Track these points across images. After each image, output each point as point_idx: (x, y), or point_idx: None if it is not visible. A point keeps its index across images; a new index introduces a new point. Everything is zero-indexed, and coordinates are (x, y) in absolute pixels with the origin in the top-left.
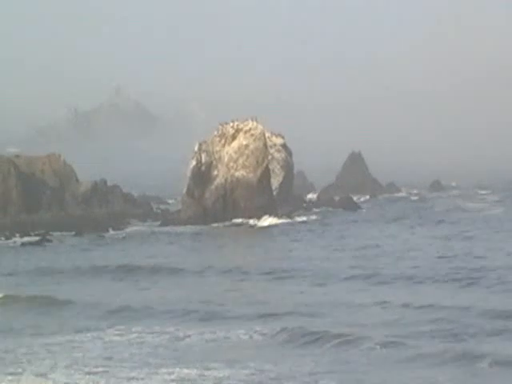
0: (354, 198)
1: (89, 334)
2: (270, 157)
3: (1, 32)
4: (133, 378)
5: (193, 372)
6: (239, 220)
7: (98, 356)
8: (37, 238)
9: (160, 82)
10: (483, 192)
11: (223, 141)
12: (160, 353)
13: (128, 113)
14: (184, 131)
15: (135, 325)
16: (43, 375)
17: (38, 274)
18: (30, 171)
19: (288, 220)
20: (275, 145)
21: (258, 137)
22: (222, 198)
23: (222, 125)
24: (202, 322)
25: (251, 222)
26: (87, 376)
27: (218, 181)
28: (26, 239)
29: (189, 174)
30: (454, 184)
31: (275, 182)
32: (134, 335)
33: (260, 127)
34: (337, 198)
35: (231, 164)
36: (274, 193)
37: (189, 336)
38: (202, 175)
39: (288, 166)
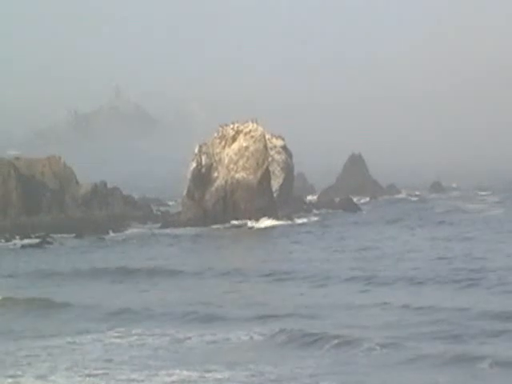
0: (354, 200)
1: (89, 336)
2: (270, 159)
3: (1, 32)
4: (133, 380)
5: (193, 374)
6: (237, 221)
7: (98, 358)
8: (37, 240)
9: (160, 82)
10: (483, 193)
11: (223, 143)
12: (160, 355)
13: (128, 114)
14: (184, 131)
15: (135, 327)
16: (43, 378)
17: (38, 276)
18: (30, 173)
19: (288, 222)
20: (275, 146)
21: (258, 138)
22: (222, 199)
23: (222, 126)
24: (202, 323)
25: (249, 223)
26: (87, 378)
27: (219, 183)
28: (26, 241)
29: (189, 175)
30: (454, 185)
31: (275, 183)
32: (134, 337)
33: (260, 129)
34: (337, 200)
35: (231, 166)
36: (275, 195)
37: (189, 338)
38: (202, 177)
39: (288, 168)
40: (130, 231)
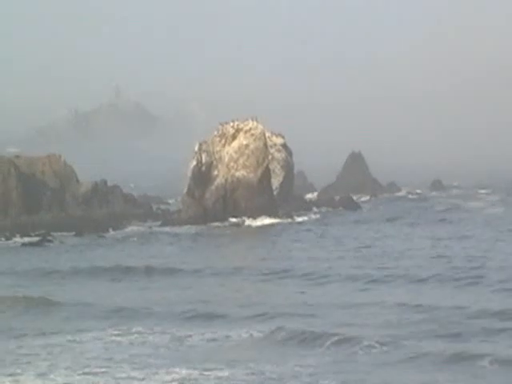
0: (355, 198)
1: (89, 335)
2: (270, 157)
3: (1, 32)
4: (133, 379)
5: (193, 372)
6: (235, 219)
7: (98, 356)
8: (37, 239)
9: (160, 82)
10: (484, 191)
11: (223, 141)
12: (160, 353)
13: (128, 113)
14: (184, 131)
15: (135, 325)
16: (43, 376)
17: (38, 275)
18: (31, 172)
19: (287, 220)
20: (275, 144)
21: (258, 136)
22: (222, 198)
23: (222, 125)
24: (202, 322)
25: (247, 221)
26: (87, 377)
27: (219, 181)
28: (26, 240)
29: (189, 174)
30: (455, 184)
31: (275, 181)
32: (135, 335)
33: (260, 127)
34: (337, 198)
35: (231, 164)
36: (275, 193)
37: (189, 336)
38: (202, 175)
39: (288, 166)
40: (130, 229)
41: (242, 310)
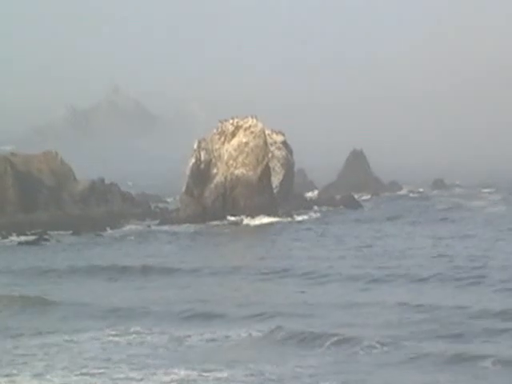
0: (356, 197)
1: (86, 335)
2: (270, 154)
3: (1, 32)
4: (131, 380)
5: (192, 373)
6: (233, 218)
7: (95, 357)
8: (34, 238)
9: (160, 82)
10: (486, 190)
11: (223, 138)
12: (159, 353)
13: (127, 111)
14: (184, 131)
15: (133, 325)
16: (39, 376)
17: (34, 274)
18: (27, 170)
19: (287, 219)
20: (275, 142)
21: (258, 134)
22: (221, 196)
23: (221, 122)
24: (201, 322)
25: (245, 220)
26: (85, 377)
27: (218, 179)
28: (22, 238)
29: (188, 172)
30: (457, 182)
31: (275, 180)
32: (133, 336)
33: (260, 124)
34: (338, 197)
35: (231, 162)
36: (275, 191)
37: (188, 336)
38: (201, 173)
39: (288, 164)
40: (127, 228)
41: (241, 309)
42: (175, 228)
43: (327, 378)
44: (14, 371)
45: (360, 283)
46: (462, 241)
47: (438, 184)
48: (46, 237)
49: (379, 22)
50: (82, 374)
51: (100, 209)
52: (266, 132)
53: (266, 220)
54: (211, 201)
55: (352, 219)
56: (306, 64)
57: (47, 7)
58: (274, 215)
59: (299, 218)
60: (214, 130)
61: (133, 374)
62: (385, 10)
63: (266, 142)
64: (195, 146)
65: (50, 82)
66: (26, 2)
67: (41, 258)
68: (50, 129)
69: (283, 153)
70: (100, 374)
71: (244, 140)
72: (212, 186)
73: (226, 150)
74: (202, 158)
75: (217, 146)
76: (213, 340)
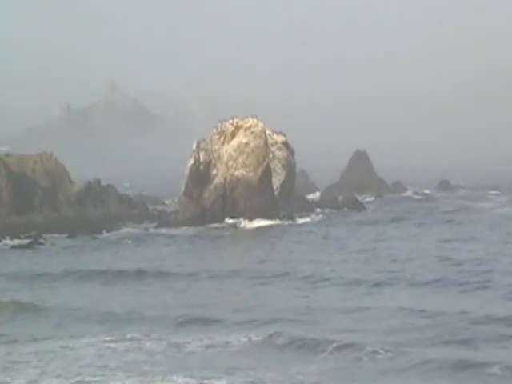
0: (359, 199)
1: (82, 341)
2: (271, 155)
3: (1, 32)
4: None
5: (191, 381)
6: (231, 220)
7: (91, 364)
8: (28, 241)
9: (160, 82)
10: (493, 192)
11: (222, 139)
12: (157, 360)
13: (125, 110)
14: (184, 131)
15: (130, 331)
16: None
17: (28, 278)
18: (21, 170)
19: (288, 221)
20: (276, 143)
21: (258, 134)
22: (221, 198)
23: (221, 122)
24: (200, 327)
25: (242, 223)
26: None
27: (217, 180)
28: (16, 242)
29: (187, 173)
30: (462, 184)
31: (276, 181)
32: (130, 342)
33: (260, 124)
34: (340, 198)
35: (231, 163)
36: (276, 193)
37: (186, 342)
38: (200, 174)
39: (290, 165)
40: (124, 231)
41: (241, 314)
42: (173, 231)
43: None
44: (8, 379)
45: (362, 287)
46: (468, 244)
47: (444, 185)
48: (41, 240)
49: (379, 21)
50: (77, 382)
51: (96, 211)
52: (267, 132)
53: (263, 223)
54: (210, 202)
55: (355, 221)
56: (306, 64)
57: (47, 7)
58: (275, 218)
59: (301, 221)
60: (214, 130)
61: (129, 382)
62: (385, 9)
63: (266, 143)
64: (194, 147)
65: (50, 82)
66: (26, 2)
67: (35, 261)
68: (48, 128)
69: (284, 153)
70: (96, 381)
71: (244, 140)
72: (211, 187)
73: (226, 151)
74: (201, 158)
75: (216, 147)
76: (212, 346)
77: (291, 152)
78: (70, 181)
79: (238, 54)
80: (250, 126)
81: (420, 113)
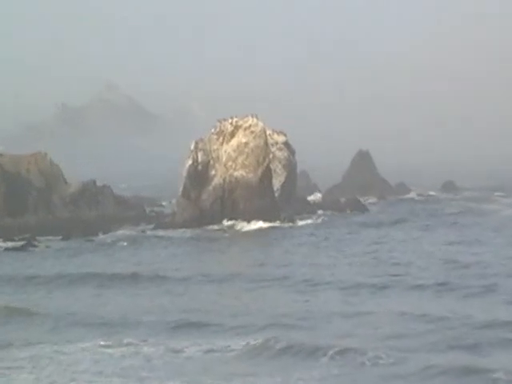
0: (361, 200)
1: (77, 346)
2: (271, 155)
3: (1, 32)
4: None
5: None
6: (228, 222)
7: (87, 369)
8: (21, 243)
9: (160, 82)
10: (497, 194)
11: (221, 138)
12: (154, 365)
13: (122, 109)
14: (184, 131)
15: (127, 335)
16: None
17: (21, 281)
18: (15, 170)
19: (288, 224)
20: (277, 143)
21: (258, 134)
22: (220, 199)
23: (220, 121)
24: (198, 332)
25: (239, 225)
26: None
27: (216, 181)
28: (9, 244)
29: (184, 173)
30: (467, 185)
31: (277, 182)
32: (126, 347)
33: (260, 124)
34: (343, 200)
35: (230, 163)
36: (276, 194)
37: (184, 347)
38: (198, 175)
39: (290, 166)
40: (120, 233)
41: (239, 318)
42: (171, 233)
43: None
44: None
45: (364, 291)
46: (472, 246)
47: (448, 186)
48: (35, 242)
49: (379, 21)
50: None
51: (91, 212)
52: (267, 132)
53: (263, 225)
54: (209, 204)
55: (357, 223)
56: (306, 64)
57: (47, 7)
58: (276, 220)
59: (302, 223)
60: (212, 130)
61: None
62: (385, 10)
63: (266, 143)
64: (192, 147)
65: (50, 81)
66: (26, 2)
67: (28, 264)
68: (45, 126)
69: (285, 154)
70: None
71: (244, 140)
72: (210, 188)
73: (225, 151)
74: (200, 159)
75: (215, 147)
76: (210, 351)
77: (292, 152)
78: (65, 181)
79: (238, 54)
80: (250, 126)
81: (420, 113)
